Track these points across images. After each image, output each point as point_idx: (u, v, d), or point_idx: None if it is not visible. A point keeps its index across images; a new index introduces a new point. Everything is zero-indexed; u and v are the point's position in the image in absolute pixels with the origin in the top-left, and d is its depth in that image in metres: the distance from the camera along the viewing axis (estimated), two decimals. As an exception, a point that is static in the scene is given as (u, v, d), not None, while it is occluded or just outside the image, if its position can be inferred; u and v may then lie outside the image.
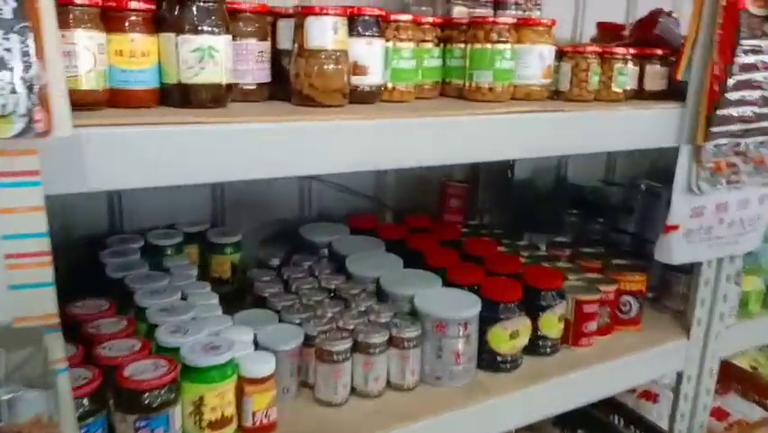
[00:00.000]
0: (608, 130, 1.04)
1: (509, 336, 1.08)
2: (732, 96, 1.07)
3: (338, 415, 0.98)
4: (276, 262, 1.27)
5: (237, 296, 1.23)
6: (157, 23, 0.75)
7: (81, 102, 0.70)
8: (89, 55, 0.69)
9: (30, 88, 0.52)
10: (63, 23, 0.67)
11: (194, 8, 0.74)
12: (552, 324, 1.14)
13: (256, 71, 0.85)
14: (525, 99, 1.03)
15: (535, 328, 1.13)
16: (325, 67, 0.81)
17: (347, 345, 0.98)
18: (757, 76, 1.09)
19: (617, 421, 1.53)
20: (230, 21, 0.79)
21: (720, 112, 1.08)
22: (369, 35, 0.86)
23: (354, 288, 1.14)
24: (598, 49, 1.10)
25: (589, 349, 1.20)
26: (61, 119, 0.54)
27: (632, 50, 1.14)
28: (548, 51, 1.03)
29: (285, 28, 0.86)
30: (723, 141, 1.11)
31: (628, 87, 1.14)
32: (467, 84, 1.00)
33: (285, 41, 0.87)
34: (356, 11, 0.84)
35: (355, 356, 1.00)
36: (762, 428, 1.52)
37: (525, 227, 1.53)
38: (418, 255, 1.24)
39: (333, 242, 1.31)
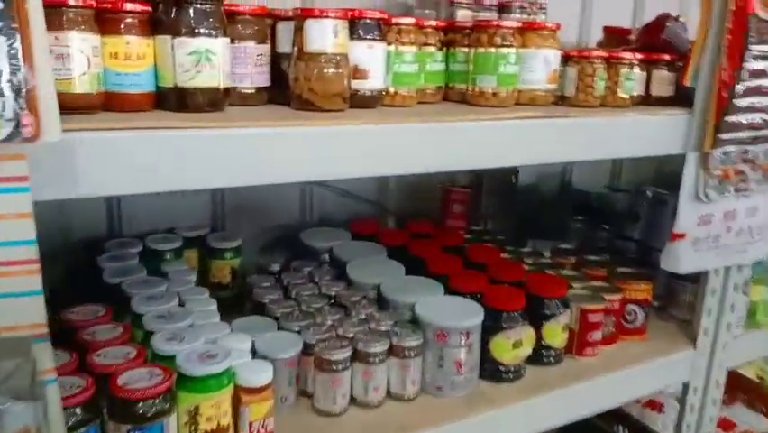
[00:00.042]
0: (615, 136, 1.02)
1: (512, 345, 1.06)
2: (741, 102, 1.05)
3: (337, 425, 0.96)
4: (276, 267, 1.26)
5: (236, 302, 1.21)
6: (153, 25, 0.73)
7: (75, 105, 0.68)
8: (83, 58, 0.67)
9: (17, 92, 0.50)
10: (56, 25, 0.66)
11: (190, 10, 0.72)
12: (556, 333, 1.12)
13: (255, 75, 0.83)
14: (529, 104, 1.01)
15: (539, 338, 1.11)
16: (325, 71, 0.80)
17: (346, 353, 0.96)
18: (766, 82, 1.07)
19: (621, 432, 1.51)
20: (228, 23, 0.77)
21: (729, 118, 1.06)
22: (370, 39, 0.84)
23: (355, 295, 1.12)
24: (604, 53, 1.08)
25: (594, 359, 1.18)
26: (50, 123, 0.53)
27: (639, 55, 1.12)
28: (553, 56, 1.02)
29: (284, 31, 0.84)
30: (731, 148, 1.09)
31: (635, 93, 1.12)
32: (470, 88, 0.99)
33: (285, 45, 0.85)
34: (357, 14, 0.83)
35: (355, 365, 0.98)
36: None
37: (528, 234, 1.51)
38: (420, 262, 1.22)
39: (334, 247, 1.30)
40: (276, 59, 0.86)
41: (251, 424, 0.87)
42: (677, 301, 1.36)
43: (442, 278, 1.16)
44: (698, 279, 1.26)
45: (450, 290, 1.13)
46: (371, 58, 0.85)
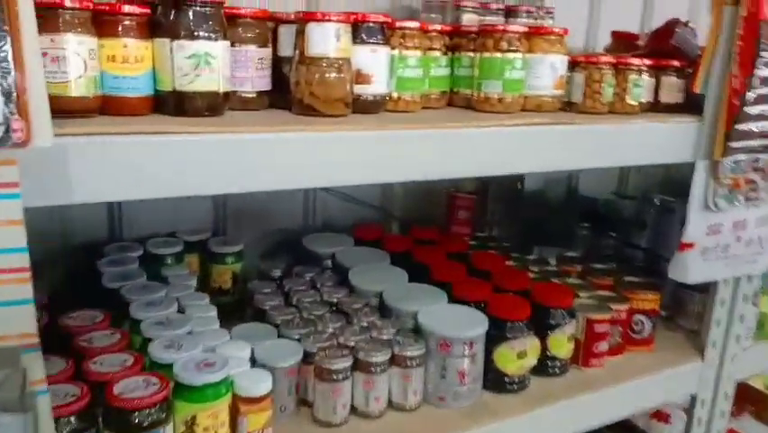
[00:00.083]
0: (622, 144, 1.00)
1: (517, 355, 1.04)
2: (752, 110, 1.03)
3: (337, 436, 0.94)
4: (278, 272, 1.24)
5: (237, 307, 1.20)
6: (151, 27, 0.72)
7: (71, 109, 0.67)
8: (79, 60, 0.66)
9: (7, 96, 0.49)
10: (52, 27, 0.65)
11: (190, 13, 0.71)
12: (561, 343, 1.10)
13: (256, 79, 0.82)
14: (535, 111, 1.00)
15: (544, 348, 1.09)
16: (327, 75, 0.78)
17: (347, 363, 0.94)
18: (778, 89, 1.05)
19: (627, 443, 1.49)
20: (229, 26, 0.76)
21: (739, 127, 1.03)
22: (373, 42, 0.83)
23: (357, 302, 1.11)
24: (612, 59, 1.06)
25: (600, 370, 1.16)
26: (41, 128, 0.51)
27: (647, 61, 1.10)
28: (560, 61, 1.00)
29: (286, 34, 0.83)
30: (742, 156, 1.07)
31: (643, 100, 1.10)
32: (476, 94, 0.97)
33: (286, 48, 0.83)
34: (360, 17, 0.81)
35: (356, 375, 0.96)
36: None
37: (534, 240, 1.49)
38: (424, 269, 1.21)
39: (337, 253, 1.28)
40: (278, 63, 0.85)
41: (248, 434, 0.86)
42: (685, 311, 1.33)
43: (445, 285, 1.14)
44: (706, 289, 1.24)
45: (453, 298, 1.11)
46: (374, 62, 0.83)
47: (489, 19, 1.17)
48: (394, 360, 0.98)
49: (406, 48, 0.90)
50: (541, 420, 1.05)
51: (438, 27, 0.98)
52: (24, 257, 0.54)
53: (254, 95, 0.83)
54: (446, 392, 1.01)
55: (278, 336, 1.01)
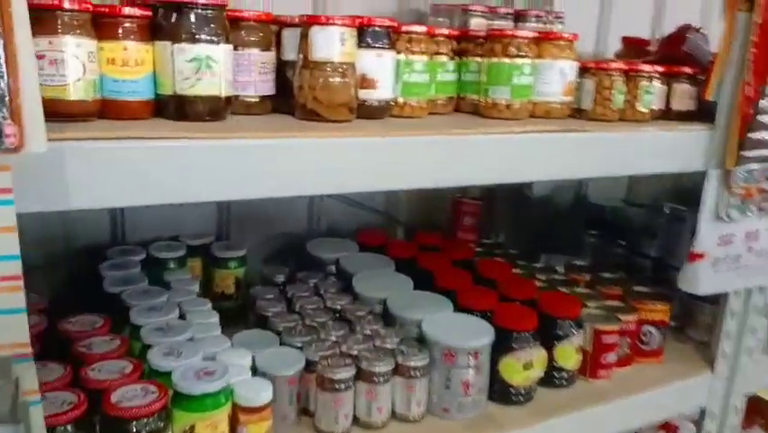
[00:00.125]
0: (633, 152, 0.98)
1: (523, 366, 1.02)
2: (765, 118, 1.01)
3: (338, 446, 0.93)
4: (281, 278, 1.23)
5: (240, 313, 1.19)
6: (152, 30, 0.71)
7: (69, 113, 0.66)
8: (78, 63, 0.65)
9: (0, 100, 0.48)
10: (51, 29, 0.63)
11: (191, 15, 0.69)
12: (568, 354, 1.08)
13: (259, 83, 0.80)
14: (544, 117, 0.98)
15: (551, 359, 1.06)
16: (331, 80, 0.76)
17: (350, 372, 0.93)
18: (793, 98, 1.03)
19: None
20: (232, 29, 0.75)
21: (752, 135, 1.01)
22: (379, 47, 0.81)
23: (360, 309, 1.09)
24: (623, 65, 1.04)
25: (608, 382, 1.14)
26: (35, 134, 0.50)
27: (659, 68, 1.08)
28: (570, 67, 0.98)
29: (290, 38, 0.81)
30: (755, 166, 1.04)
31: (654, 107, 1.08)
32: (483, 100, 0.95)
33: (290, 52, 0.82)
34: (365, 21, 0.80)
35: (358, 384, 0.94)
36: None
37: (541, 247, 1.47)
38: (428, 276, 1.19)
39: (341, 259, 1.27)
40: (281, 68, 0.83)
41: (248, 444, 0.84)
42: (695, 322, 1.31)
43: (450, 293, 1.12)
44: (717, 300, 1.22)
45: (459, 307, 1.09)
46: (380, 67, 0.82)
47: (498, 23, 1.15)
48: (397, 370, 0.96)
49: (413, 52, 0.88)
50: (547, 433, 1.03)
51: (445, 31, 0.96)
52: (17, 265, 0.53)
53: (257, 99, 0.81)
54: (450, 403, 0.99)
55: (281, 344, 1.00)
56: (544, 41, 0.96)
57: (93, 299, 1.06)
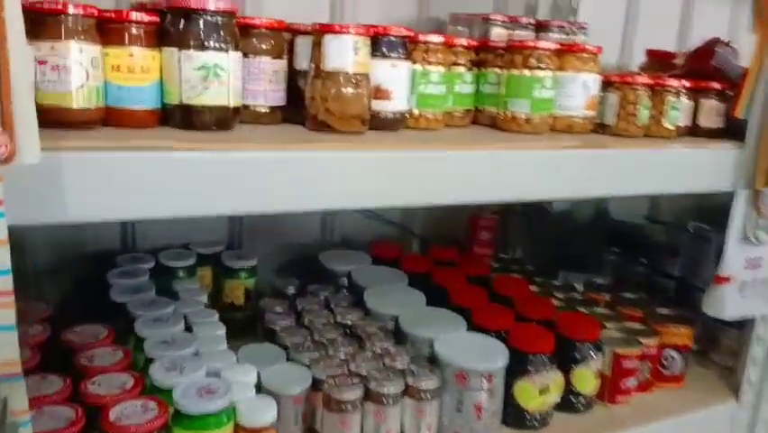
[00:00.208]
0: (658, 170, 0.94)
1: (539, 391, 0.98)
2: (798, 137, 0.97)
3: (344, 469, 0.89)
4: (292, 289, 1.20)
5: (249, 324, 1.16)
6: (159, 36, 0.68)
7: (71, 121, 0.64)
8: (81, 70, 0.62)
9: (-10, 109, 0.45)
10: (54, 34, 0.61)
11: (200, 22, 0.67)
12: (586, 379, 1.04)
13: (269, 92, 0.78)
14: (565, 132, 0.94)
15: (568, 383, 1.02)
16: (344, 90, 0.73)
17: (358, 393, 0.89)
18: (827, 116, 0.98)
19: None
20: (243, 37, 0.72)
21: (784, 154, 0.97)
22: (394, 57, 0.78)
23: (371, 325, 1.06)
24: (648, 80, 1.00)
25: (627, 407, 1.10)
26: (28, 144, 0.47)
27: (686, 83, 1.04)
28: (593, 81, 0.94)
29: (303, 46, 0.79)
30: (786, 186, 1.00)
31: (681, 124, 1.04)
32: (502, 113, 0.92)
33: (303, 61, 0.79)
34: (381, 30, 0.77)
35: (366, 405, 0.91)
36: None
37: (560, 264, 1.43)
38: (442, 292, 1.15)
39: (353, 271, 1.24)
40: (293, 77, 0.81)
41: (250, 466, 0.81)
42: (719, 346, 1.26)
43: (465, 311, 1.09)
44: (743, 324, 1.17)
45: (473, 326, 1.05)
46: (395, 77, 0.79)
47: (519, 34, 1.12)
48: (407, 391, 0.93)
49: (429, 63, 0.85)
50: (563, 460, 0.99)
51: (464, 41, 0.93)
52: (7, 280, 0.51)
53: (267, 109, 0.78)
54: (462, 427, 0.95)
55: (288, 359, 0.97)
56: (566, 53, 0.93)
57: (99, 307, 1.04)
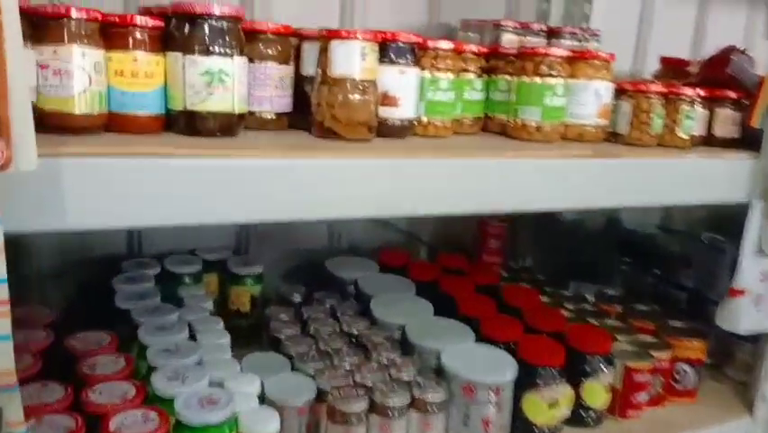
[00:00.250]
0: (671, 181, 0.92)
1: (548, 405, 0.96)
2: (816, 148, 0.95)
3: (348, 483, 0.88)
4: (298, 297, 1.19)
5: (254, 331, 1.15)
6: (164, 41, 0.67)
7: (73, 127, 0.63)
8: (84, 75, 0.61)
9: (-15, 114, 0.44)
10: (56, 38, 0.61)
11: (205, 26, 0.66)
12: (597, 393, 1.02)
13: (275, 99, 0.76)
14: (577, 141, 0.93)
15: (578, 397, 1.00)
16: (351, 97, 0.72)
17: (362, 405, 0.88)
18: None
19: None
20: (249, 42, 0.71)
21: (802, 165, 0.95)
22: (402, 63, 0.77)
23: (377, 335, 1.04)
24: (662, 88, 0.98)
25: (638, 422, 1.07)
26: (25, 151, 0.46)
27: (701, 92, 1.01)
28: (605, 88, 0.93)
29: (310, 52, 0.77)
30: (803, 198, 0.98)
31: (695, 133, 1.01)
32: (512, 121, 0.90)
33: (309, 67, 0.78)
34: (389, 36, 0.75)
35: (371, 418, 0.89)
36: None
37: (570, 274, 1.41)
38: (450, 301, 1.14)
39: (360, 279, 1.22)
40: (300, 83, 0.80)
41: (252, 478, 0.80)
42: (733, 360, 1.24)
43: (473, 321, 1.07)
44: (757, 337, 1.14)
45: (481, 337, 1.04)
46: (403, 84, 0.77)
47: (530, 40, 1.10)
48: (413, 404, 0.91)
49: (438, 69, 0.83)
50: (571, 476, 0.97)
51: (473, 48, 0.92)
52: (2, 289, 0.49)
53: (273, 115, 0.77)
54: (468, 441, 0.94)
55: (292, 369, 0.95)
56: (578, 60, 0.91)
57: (104, 313, 1.03)
